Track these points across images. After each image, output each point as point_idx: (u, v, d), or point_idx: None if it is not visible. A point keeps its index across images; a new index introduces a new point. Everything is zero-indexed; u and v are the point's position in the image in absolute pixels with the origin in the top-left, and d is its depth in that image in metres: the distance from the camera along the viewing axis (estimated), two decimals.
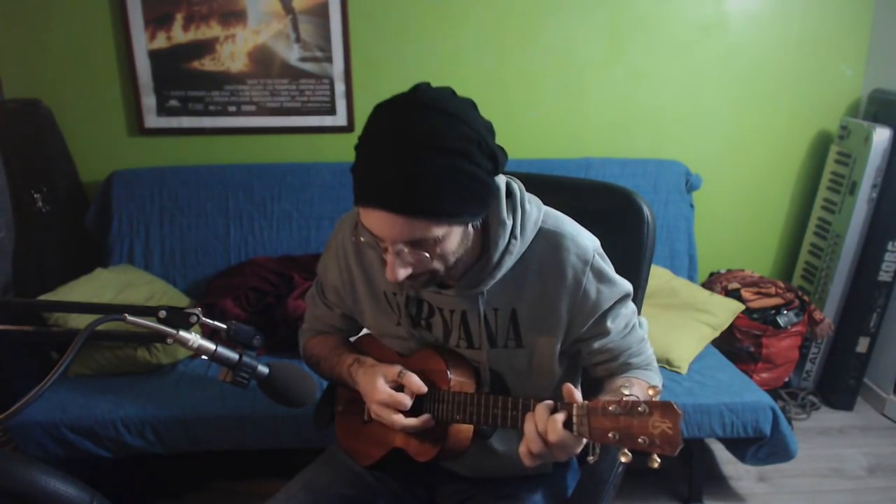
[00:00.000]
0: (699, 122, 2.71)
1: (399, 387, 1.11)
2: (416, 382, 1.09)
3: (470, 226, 0.99)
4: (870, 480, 2.24)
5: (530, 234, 1.07)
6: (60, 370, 0.78)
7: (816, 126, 2.75)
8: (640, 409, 0.81)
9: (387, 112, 0.92)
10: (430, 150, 0.88)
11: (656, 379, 1.15)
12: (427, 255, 0.96)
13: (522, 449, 0.93)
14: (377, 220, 0.93)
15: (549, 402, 0.92)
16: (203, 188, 2.47)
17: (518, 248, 1.05)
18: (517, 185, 1.08)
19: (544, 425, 0.89)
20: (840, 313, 2.67)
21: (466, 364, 1.14)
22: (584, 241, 1.08)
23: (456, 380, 1.10)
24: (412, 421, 1.09)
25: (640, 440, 0.80)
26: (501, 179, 1.06)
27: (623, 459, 0.83)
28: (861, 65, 2.68)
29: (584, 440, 0.88)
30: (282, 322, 2.16)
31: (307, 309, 1.36)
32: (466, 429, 1.10)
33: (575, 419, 0.87)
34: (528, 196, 1.10)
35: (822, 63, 2.67)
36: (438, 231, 0.94)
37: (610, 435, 0.83)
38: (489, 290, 1.07)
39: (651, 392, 0.83)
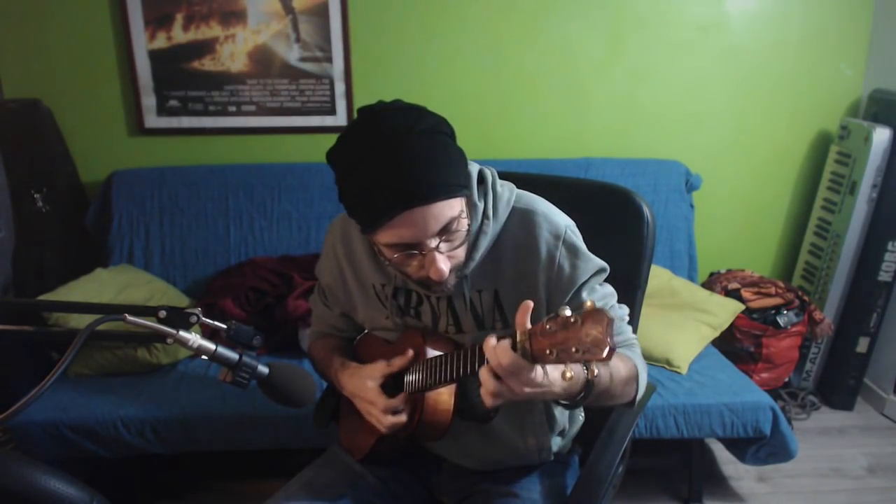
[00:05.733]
0: (699, 122, 2.70)
1: (387, 381, 1.15)
2: (402, 362, 1.14)
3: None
4: (870, 480, 2.24)
5: (503, 214, 1.11)
6: (60, 370, 0.78)
7: (816, 126, 2.75)
8: (572, 320, 0.80)
9: (359, 135, 0.97)
10: (415, 134, 0.93)
11: (637, 359, 1.12)
12: (456, 238, 1.01)
13: (482, 389, 0.93)
14: (409, 225, 0.96)
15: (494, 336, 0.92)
16: (203, 188, 2.47)
17: (492, 228, 1.09)
18: (490, 171, 1.14)
19: (493, 352, 0.89)
20: (840, 313, 2.66)
21: (445, 338, 1.15)
22: (556, 217, 1.11)
23: (432, 351, 1.11)
24: (391, 407, 1.11)
25: (573, 350, 0.79)
26: (474, 167, 1.11)
27: (568, 375, 0.81)
28: (861, 65, 2.68)
29: (535, 367, 0.88)
30: (282, 322, 2.16)
31: (312, 310, 1.40)
32: (445, 400, 1.10)
33: (518, 344, 0.86)
34: (501, 181, 1.14)
35: (822, 63, 2.67)
36: (457, 206, 0.99)
37: (548, 352, 0.82)
38: (471, 272, 1.10)
39: (588, 305, 0.81)
